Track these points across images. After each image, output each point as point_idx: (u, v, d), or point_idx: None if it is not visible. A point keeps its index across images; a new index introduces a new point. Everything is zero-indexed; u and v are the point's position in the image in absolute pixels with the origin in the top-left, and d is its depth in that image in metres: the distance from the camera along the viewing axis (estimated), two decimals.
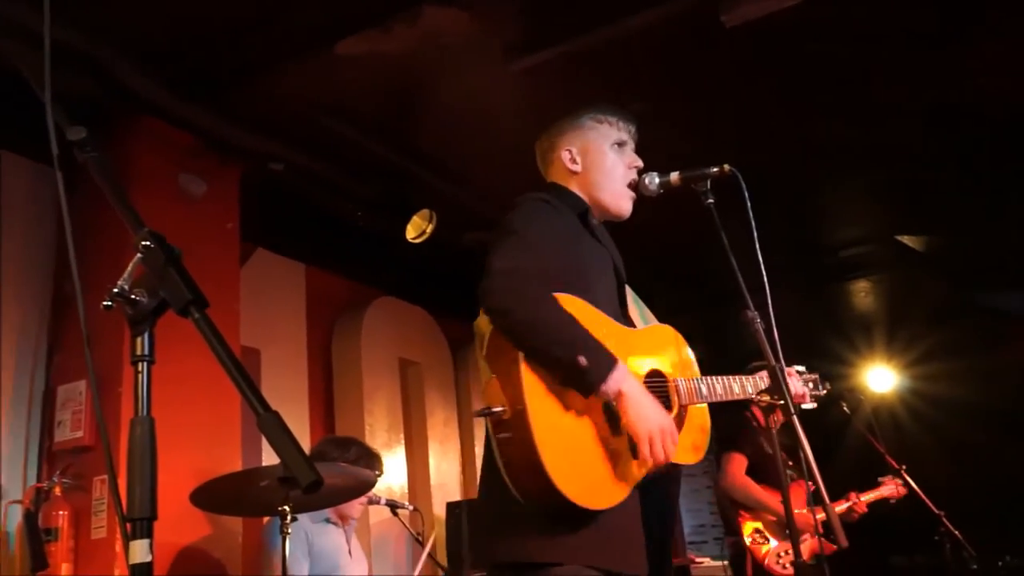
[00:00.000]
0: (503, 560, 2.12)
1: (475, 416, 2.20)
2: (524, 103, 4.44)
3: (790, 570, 4.47)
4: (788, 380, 2.55)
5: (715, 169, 2.53)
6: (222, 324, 1.19)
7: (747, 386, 2.58)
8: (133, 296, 1.18)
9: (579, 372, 2.06)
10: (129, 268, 1.19)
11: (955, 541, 4.82)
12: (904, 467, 5.03)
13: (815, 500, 2.30)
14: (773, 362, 2.36)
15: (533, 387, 2.07)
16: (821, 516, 2.70)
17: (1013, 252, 6.03)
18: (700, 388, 2.45)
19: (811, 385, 2.90)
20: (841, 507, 4.79)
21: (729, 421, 4.99)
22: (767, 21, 3.80)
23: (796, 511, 2.46)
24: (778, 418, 2.75)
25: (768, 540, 4.56)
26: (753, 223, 2.47)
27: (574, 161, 2.56)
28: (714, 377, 2.51)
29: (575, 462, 2.07)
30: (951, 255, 6.82)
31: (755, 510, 4.62)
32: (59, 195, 1.36)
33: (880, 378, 8.33)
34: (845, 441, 5.97)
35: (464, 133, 4.88)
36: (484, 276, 2.13)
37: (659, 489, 2.34)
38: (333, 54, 4.01)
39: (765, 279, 2.42)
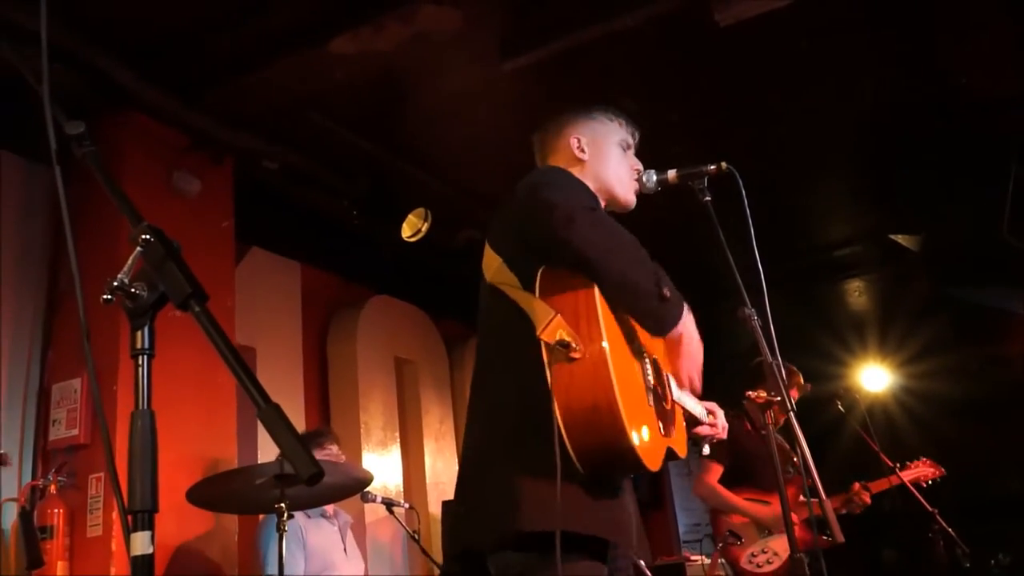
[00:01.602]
0: (530, 529, 1.92)
1: (545, 345, 1.90)
2: (516, 101, 4.45)
3: (764, 568, 4.53)
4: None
5: (712, 167, 2.54)
6: (216, 320, 1.18)
7: (698, 406, 2.56)
8: (133, 290, 1.18)
9: (664, 301, 2.03)
10: (129, 262, 1.19)
11: (948, 538, 4.83)
12: (898, 465, 5.05)
13: (811, 496, 2.32)
14: (770, 359, 2.37)
15: (610, 325, 1.95)
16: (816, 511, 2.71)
17: (998, 248, 6.06)
18: (684, 393, 2.43)
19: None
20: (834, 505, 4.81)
21: None
22: (760, 20, 3.82)
23: (776, 511, 2.47)
24: (776, 417, 2.77)
25: (740, 540, 4.63)
26: (751, 220, 2.48)
27: (582, 150, 2.49)
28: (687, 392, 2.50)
29: (641, 416, 1.99)
30: (940, 252, 6.85)
31: (727, 513, 4.72)
32: (58, 190, 1.36)
33: (874, 377, 8.35)
34: (839, 440, 5.98)
35: (458, 131, 4.88)
36: (554, 209, 1.97)
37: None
38: (325, 51, 4.01)
39: (762, 276, 2.43)
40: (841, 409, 5.46)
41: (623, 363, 1.99)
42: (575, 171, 2.42)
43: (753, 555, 4.59)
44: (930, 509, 4.88)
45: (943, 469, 5.07)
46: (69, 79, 3.89)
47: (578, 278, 1.99)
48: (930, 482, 5.01)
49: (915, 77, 4.73)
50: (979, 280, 7.16)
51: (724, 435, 2.55)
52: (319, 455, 3.95)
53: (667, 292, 2.04)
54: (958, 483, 5.20)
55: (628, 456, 1.90)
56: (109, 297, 1.16)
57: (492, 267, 2.21)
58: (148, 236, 1.18)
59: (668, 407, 2.26)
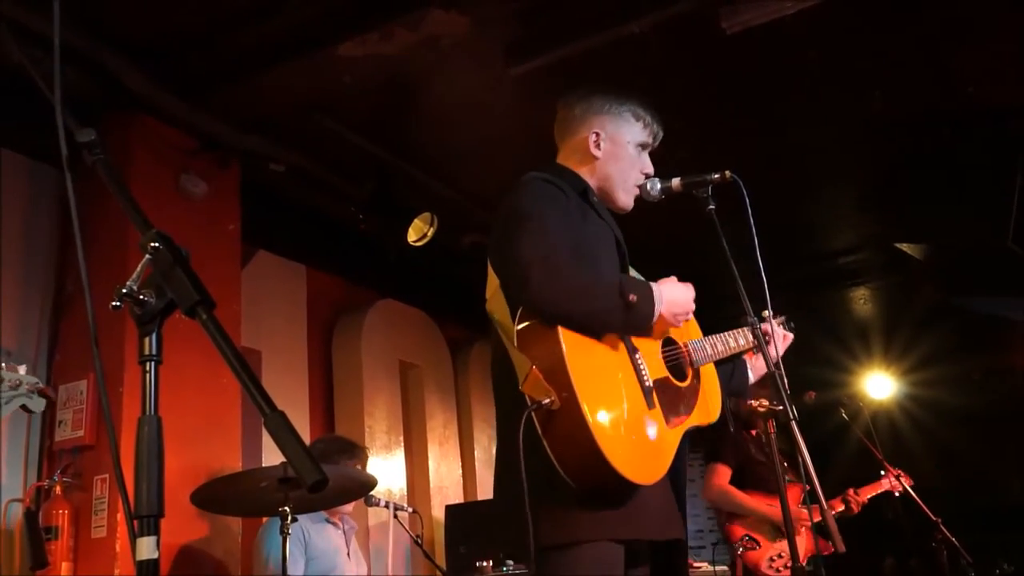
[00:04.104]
0: (545, 544, 2.07)
1: (531, 411, 2.05)
2: (522, 107, 4.46)
3: (784, 573, 4.50)
4: (776, 332, 2.69)
5: (716, 175, 2.54)
6: (223, 325, 1.20)
7: (739, 339, 2.68)
8: (141, 296, 1.19)
9: (633, 309, 2.14)
10: (138, 269, 1.20)
11: (952, 547, 4.83)
12: (901, 474, 5.05)
13: (812, 502, 2.32)
14: (772, 368, 2.38)
15: (578, 369, 2.05)
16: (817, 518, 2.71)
17: (1003, 257, 6.05)
18: (706, 348, 2.54)
19: (783, 327, 2.92)
20: (837, 509, 4.82)
21: (713, 434, 5.08)
22: (767, 28, 3.83)
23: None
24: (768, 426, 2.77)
25: (757, 545, 4.60)
26: (754, 229, 2.48)
27: (597, 146, 2.53)
28: (714, 336, 2.61)
29: (627, 441, 2.09)
30: (945, 261, 6.85)
31: (742, 516, 4.70)
32: (68, 196, 1.37)
33: (879, 385, 8.34)
34: (844, 447, 5.98)
35: (464, 136, 4.90)
36: (514, 265, 2.12)
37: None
38: (333, 55, 4.03)
39: (766, 285, 2.44)
40: (845, 417, 5.46)
41: (604, 393, 2.10)
42: (580, 166, 2.52)
43: (772, 559, 4.57)
44: (934, 518, 4.87)
45: (910, 481, 5.07)
46: (77, 80, 3.91)
47: (545, 325, 2.11)
48: (899, 493, 5.01)
49: (922, 85, 4.74)
50: (984, 289, 7.15)
51: (783, 345, 2.75)
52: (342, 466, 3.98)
53: (632, 298, 2.14)
54: (962, 492, 5.21)
55: (621, 482, 2.04)
56: (118, 304, 1.18)
57: (492, 287, 2.30)
58: (157, 244, 1.19)
59: (687, 382, 2.38)
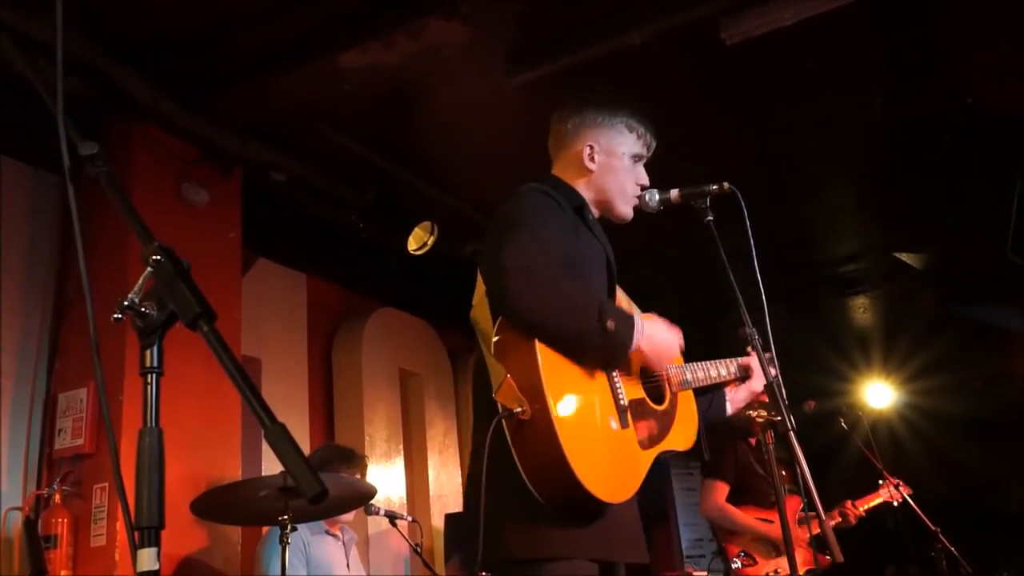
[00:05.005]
0: (520, 556, 2.06)
1: (500, 418, 2.02)
2: (523, 116, 4.47)
3: None
4: (770, 369, 2.61)
5: (714, 186, 2.55)
6: (223, 333, 1.20)
7: (721, 369, 2.65)
8: (143, 309, 1.20)
9: (611, 336, 2.11)
10: (140, 281, 1.21)
11: (951, 556, 4.83)
12: (900, 483, 5.05)
13: (811, 514, 2.32)
14: (771, 378, 2.38)
15: (552, 382, 2.03)
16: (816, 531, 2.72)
17: (1003, 267, 6.06)
18: (686, 374, 2.52)
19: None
20: (834, 521, 4.82)
21: (713, 448, 5.09)
22: (767, 37, 3.85)
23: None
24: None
25: (754, 561, 4.62)
26: (752, 241, 2.49)
27: (592, 159, 2.52)
28: (696, 363, 2.58)
29: (597, 457, 2.07)
30: (945, 270, 6.86)
31: (738, 534, 4.71)
32: (70, 208, 1.38)
33: (878, 394, 8.35)
34: (843, 457, 5.98)
35: (465, 144, 4.91)
36: (496, 273, 2.10)
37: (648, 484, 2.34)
38: (335, 64, 4.05)
39: (763, 296, 2.44)
40: (844, 426, 5.46)
41: (577, 408, 2.08)
42: (576, 179, 2.51)
43: (771, 575, 4.58)
44: (932, 528, 4.87)
45: (909, 489, 5.07)
46: (79, 87, 3.92)
47: (522, 335, 2.09)
48: (898, 502, 5.00)
49: (922, 93, 4.75)
50: (984, 298, 7.16)
51: (763, 381, 2.60)
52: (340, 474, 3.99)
53: (611, 324, 2.10)
54: (961, 501, 5.21)
55: (588, 498, 2.02)
56: (120, 316, 1.18)
57: (479, 294, 2.30)
58: (159, 256, 1.20)
59: (664, 406, 2.35)
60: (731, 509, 4.75)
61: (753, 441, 4.86)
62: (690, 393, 2.55)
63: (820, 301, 7.42)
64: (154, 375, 1.21)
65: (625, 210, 2.57)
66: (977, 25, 4.22)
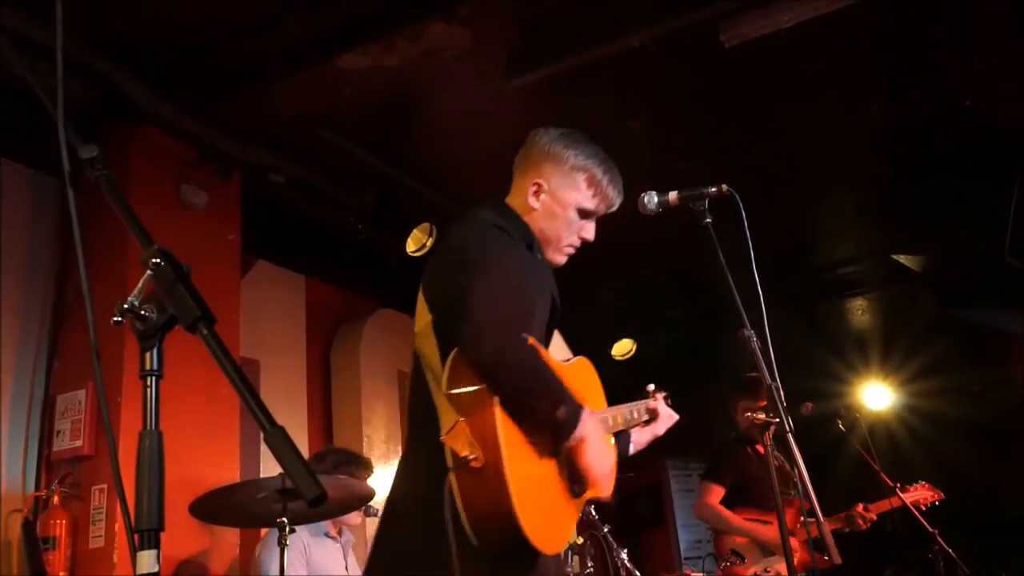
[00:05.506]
0: None
1: (449, 449, 1.99)
2: (522, 118, 4.47)
3: None
4: (663, 411, 2.67)
5: (713, 189, 2.55)
6: (222, 335, 1.20)
7: (633, 413, 2.64)
8: (143, 312, 1.20)
9: (557, 423, 2.06)
10: (139, 284, 1.21)
11: (949, 559, 4.83)
12: (899, 485, 5.05)
13: (809, 517, 2.32)
14: (769, 381, 2.39)
15: (509, 436, 2.00)
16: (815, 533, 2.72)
17: (1001, 270, 6.07)
18: (608, 420, 2.49)
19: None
20: (838, 524, 4.81)
21: (712, 451, 5.13)
22: (766, 40, 3.85)
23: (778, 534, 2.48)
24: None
25: (742, 560, 4.64)
26: (750, 242, 2.49)
27: (536, 197, 2.39)
28: (615, 407, 2.56)
29: (541, 510, 2.07)
30: (943, 273, 6.87)
31: (729, 534, 4.73)
32: (70, 210, 1.38)
33: (876, 396, 8.35)
34: (841, 459, 5.98)
35: (464, 147, 4.91)
36: (464, 317, 1.99)
37: None
38: (334, 67, 4.05)
39: (762, 298, 2.44)
40: (842, 428, 5.46)
41: (525, 459, 2.05)
42: (525, 216, 2.39)
43: (757, 575, 4.60)
44: (930, 530, 4.87)
45: (942, 493, 5.07)
46: (79, 91, 3.92)
47: (482, 382, 2.02)
48: (928, 505, 5.01)
49: (920, 98, 4.76)
50: (982, 301, 7.17)
51: (668, 424, 2.68)
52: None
53: (561, 413, 2.05)
54: (959, 503, 5.20)
55: (529, 553, 2.01)
56: (119, 319, 1.19)
57: (421, 321, 2.21)
58: (159, 260, 1.20)
59: (594, 494, 2.29)
60: (721, 509, 4.78)
61: (760, 448, 4.86)
62: (610, 436, 2.51)
63: (818, 303, 7.42)
64: (154, 378, 1.21)
65: (555, 258, 2.44)
66: (976, 31, 4.23)
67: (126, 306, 1.19)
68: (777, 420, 2.35)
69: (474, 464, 1.97)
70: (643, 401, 2.70)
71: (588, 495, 2.28)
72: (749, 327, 2.46)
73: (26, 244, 4.18)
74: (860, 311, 7.82)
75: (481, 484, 1.98)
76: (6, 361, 3.97)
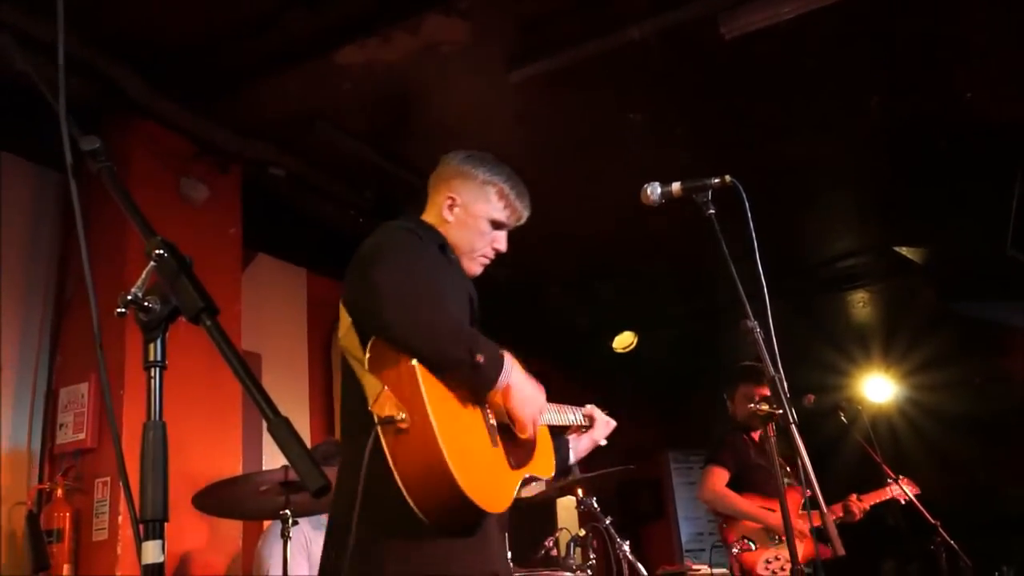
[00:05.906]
0: (394, 574, 2.05)
1: (378, 425, 2.01)
2: (522, 112, 4.48)
3: (780, 575, 4.52)
4: (599, 419, 2.70)
5: (716, 180, 2.55)
6: (224, 328, 1.21)
7: (569, 415, 2.71)
8: (146, 303, 1.20)
9: (478, 369, 2.11)
10: (143, 276, 1.21)
11: (951, 551, 4.83)
12: (900, 477, 5.05)
13: (812, 507, 2.33)
14: (772, 372, 2.39)
15: (432, 393, 2.04)
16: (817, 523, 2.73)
17: (1003, 263, 6.07)
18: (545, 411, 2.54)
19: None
20: (838, 515, 4.82)
21: (713, 438, 5.11)
22: (766, 34, 3.85)
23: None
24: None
25: (753, 547, 4.61)
26: (753, 232, 2.49)
27: (451, 210, 2.53)
28: (553, 404, 2.60)
29: (476, 466, 2.09)
30: (945, 266, 6.87)
31: (737, 519, 4.70)
32: (72, 203, 1.38)
33: (878, 388, 8.35)
34: (843, 451, 5.99)
35: (464, 142, 4.85)
36: (369, 295, 2.10)
37: None
38: (333, 62, 4.05)
39: (765, 289, 2.44)
40: (844, 420, 5.46)
41: (454, 420, 2.09)
42: (440, 228, 2.52)
43: (768, 561, 4.58)
44: (932, 522, 4.87)
45: (918, 488, 5.08)
46: (79, 86, 3.92)
47: (398, 350, 2.10)
48: (906, 500, 5.00)
49: (921, 93, 4.75)
50: (983, 295, 7.16)
51: (605, 430, 2.75)
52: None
53: (480, 358, 2.11)
54: (961, 496, 5.21)
55: (469, 508, 2.02)
56: (123, 310, 1.19)
57: (344, 326, 2.31)
58: (162, 251, 1.21)
59: (526, 435, 2.34)
60: (729, 492, 4.71)
61: (755, 436, 4.87)
62: (546, 428, 2.57)
63: (819, 296, 7.42)
64: (158, 369, 1.21)
65: (471, 268, 2.56)
66: (976, 28, 4.22)
67: (130, 297, 1.19)
68: (780, 411, 2.35)
69: (401, 425, 2.00)
70: (578, 407, 2.75)
71: (530, 470, 2.33)
72: (752, 318, 2.46)
73: (27, 238, 4.18)
74: (861, 304, 7.81)
75: (412, 445, 2.00)
76: (8, 355, 3.97)
